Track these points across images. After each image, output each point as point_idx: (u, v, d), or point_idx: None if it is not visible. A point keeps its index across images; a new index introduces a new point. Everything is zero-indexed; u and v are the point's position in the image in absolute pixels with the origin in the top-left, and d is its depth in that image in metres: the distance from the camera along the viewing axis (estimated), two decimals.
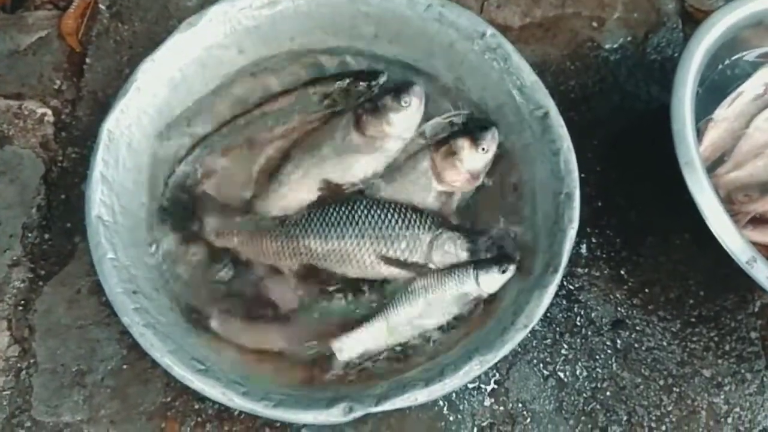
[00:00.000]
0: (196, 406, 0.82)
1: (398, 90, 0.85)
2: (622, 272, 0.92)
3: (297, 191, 0.84)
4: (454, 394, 0.84)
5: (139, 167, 0.83)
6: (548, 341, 0.87)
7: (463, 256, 0.80)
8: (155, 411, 0.82)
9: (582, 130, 0.98)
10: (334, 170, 0.84)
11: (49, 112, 0.97)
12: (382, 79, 0.90)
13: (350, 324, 0.78)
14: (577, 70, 1.04)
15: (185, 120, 0.89)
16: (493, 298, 0.79)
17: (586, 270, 0.91)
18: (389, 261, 0.80)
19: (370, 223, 0.80)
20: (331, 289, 0.80)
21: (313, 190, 0.84)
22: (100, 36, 1.03)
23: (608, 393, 0.85)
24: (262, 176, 0.86)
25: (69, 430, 0.81)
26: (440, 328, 0.79)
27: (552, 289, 0.73)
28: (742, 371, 0.89)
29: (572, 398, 0.85)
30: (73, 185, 0.92)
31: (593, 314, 0.89)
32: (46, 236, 0.90)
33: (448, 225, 0.82)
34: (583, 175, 0.94)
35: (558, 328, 0.88)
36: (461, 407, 0.83)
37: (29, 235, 0.90)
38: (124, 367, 0.83)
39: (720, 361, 0.89)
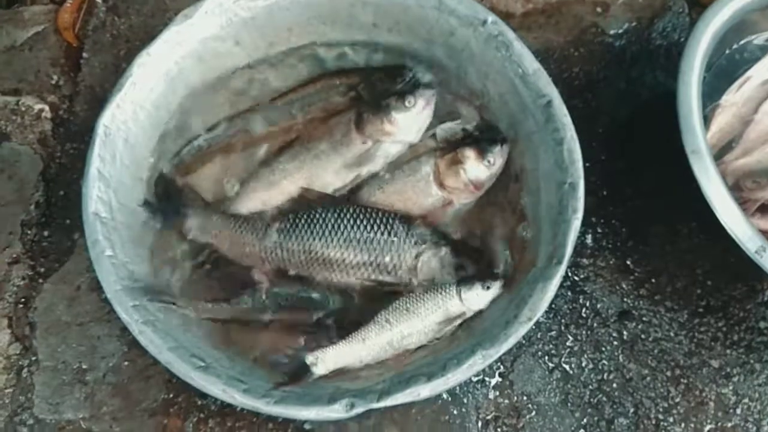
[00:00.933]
0: (199, 403, 0.81)
1: (406, 90, 0.83)
2: (628, 262, 0.90)
3: (287, 181, 0.83)
4: (458, 388, 0.83)
5: (137, 163, 0.82)
6: (553, 333, 0.86)
7: (447, 273, 0.79)
8: (157, 408, 0.81)
9: (586, 118, 0.97)
10: (327, 167, 0.83)
11: (47, 107, 0.97)
12: (408, 76, 0.88)
13: (327, 337, 0.77)
14: (581, 56, 1.02)
15: (183, 115, 0.88)
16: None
17: (592, 260, 0.90)
18: (373, 281, 0.79)
19: (355, 234, 0.79)
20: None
21: (303, 183, 0.82)
22: (96, 30, 1.02)
23: (614, 385, 0.84)
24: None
25: (71, 428, 0.80)
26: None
27: (556, 281, 0.72)
28: (751, 361, 0.88)
29: (578, 390, 0.84)
30: (72, 181, 0.91)
31: (599, 305, 0.88)
32: (46, 233, 0.90)
33: (434, 239, 0.80)
34: (587, 164, 0.92)
35: (563, 320, 0.87)
36: (465, 400, 0.82)
37: (28, 232, 0.90)
38: (126, 363, 0.83)
39: (728, 351, 0.88)
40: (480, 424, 0.82)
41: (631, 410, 0.84)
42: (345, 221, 0.80)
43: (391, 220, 0.81)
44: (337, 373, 0.75)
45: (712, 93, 0.92)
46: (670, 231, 0.92)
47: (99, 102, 0.94)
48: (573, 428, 0.82)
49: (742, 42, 0.95)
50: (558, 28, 1.04)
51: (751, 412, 0.85)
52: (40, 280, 0.87)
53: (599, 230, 0.91)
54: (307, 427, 0.81)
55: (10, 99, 0.97)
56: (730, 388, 0.86)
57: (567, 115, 0.79)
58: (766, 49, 0.95)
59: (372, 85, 0.88)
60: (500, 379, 0.84)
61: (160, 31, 0.82)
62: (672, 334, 0.87)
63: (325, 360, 0.74)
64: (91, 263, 0.74)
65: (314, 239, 0.79)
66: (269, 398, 0.67)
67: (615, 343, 0.86)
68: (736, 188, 0.89)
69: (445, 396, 0.83)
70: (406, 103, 0.82)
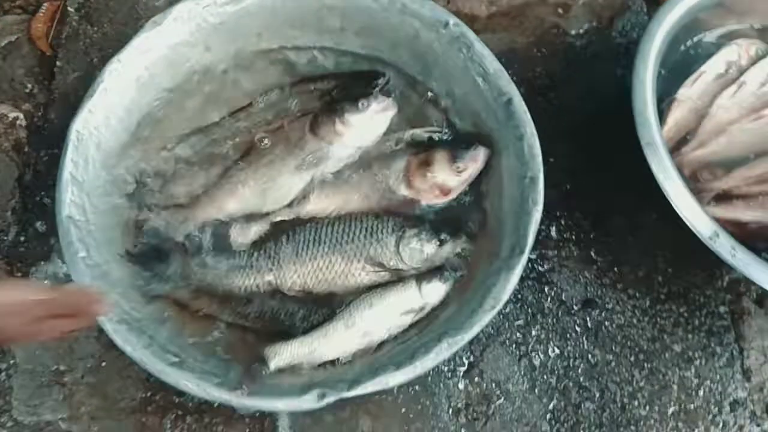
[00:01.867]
0: (176, 400, 0.83)
1: (362, 94, 0.85)
2: (592, 253, 0.93)
3: (244, 188, 0.83)
4: (429, 378, 0.85)
5: (110, 167, 0.84)
6: (520, 322, 0.89)
7: (431, 248, 0.81)
8: (136, 406, 0.83)
9: (550, 115, 1.00)
10: (282, 170, 0.84)
11: (22, 115, 0.98)
12: (382, 81, 0.89)
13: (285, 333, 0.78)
14: (543, 56, 1.06)
15: (155, 120, 0.89)
16: (462, 283, 0.80)
17: (556, 252, 0.93)
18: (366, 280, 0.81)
19: (336, 240, 0.81)
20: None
21: (260, 189, 0.83)
22: (69, 39, 1.04)
23: (580, 370, 0.87)
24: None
25: (50, 429, 0.82)
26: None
27: (518, 270, 0.74)
28: (712, 345, 0.91)
29: (545, 377, 0.87)
30: (48, 187, 0.92)
31: (564, 295, 0.91)
32: (22, 239, 0.91)
33: (410, 222, 0.82)
34: (552, 160, 0.96)
35: (530, 310, 0.90)
36: (437, 390, 0.85)
37: (5, 237, 0.91)
38: (103, 364, 0.84)
39: (690, 335, 0.91)
40: (451, 411, 0.84)
41: (597, 395, 0.87)
42: (324, 232, 0.81)
43: (364, 219, 0.83)
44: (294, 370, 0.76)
45: (668, 88, 0.96)
46: (631, 222, 0.95)
47: (73, 109, 0.95)
48: (541, 413, 0.85)
49: (695, 39, 0.99)
50: (521, 30, 1.08)
51: (713, 394, 0.89)
52: None
53: (563, 223, 0.95)
54: (285, 419, 0.83)
55: None
56: (692, 371, 0.89)
57: (527, 112, 0.82)
58: (719, 45, 1.00)
59: (346, 90, 0.90)
60: (470, 369, 0.86)
61: (130, 38, 0.84)
62: (635, 321, 0.90)
63: (281, 353, 0.76)
64: (67, 266, 0.76)
65: (300, 255, 0.81)
66: (242, 391, 0.69)
67: (580, 330, 0.89)
68: (693, 179, 0.93)
69: (417, 387, 0.85)
70: (359, 105, 0.84)
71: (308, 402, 0.69)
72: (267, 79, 0.95)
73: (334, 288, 0.81)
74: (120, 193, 0.83)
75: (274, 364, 0.75)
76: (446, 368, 0.86)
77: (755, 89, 0.95)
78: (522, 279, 0.90)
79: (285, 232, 0.82)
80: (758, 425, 0.88)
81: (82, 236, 0.75)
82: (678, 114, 0.94)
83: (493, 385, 0.86)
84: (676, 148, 0.94)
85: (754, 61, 0.97)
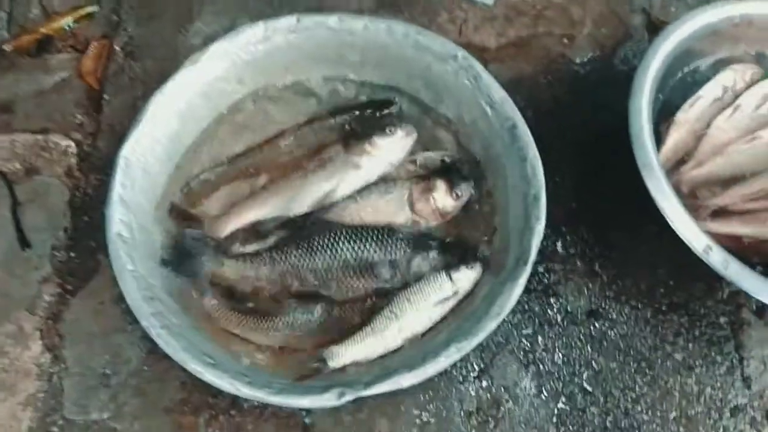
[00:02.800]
0: (210, 401, 0.90)
1: (388, 122, 0.96)
2: (596, 267, 0.99)
3: (276, 198, 0.93)
4: (442, 383, 0.91)
5: (154, 189, 0.93)
6: (528, 331, 0.95)
7: (435, 270, 0.90)
8: (173, 406, 0.90)
9: (556, 138, 1.07)
10: (313, 181, 0.93)
11: (72, 144, 1.08)
12: (394, 108, 1.00)
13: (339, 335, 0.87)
14: (549, 84, 1.13)
15: (194, 146, 0.99)
16: (468, 294, 0.87)
17: (562, 266, 0.99)
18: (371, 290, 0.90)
19: (352, 254, 0.89)
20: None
21: (289, 197, 0.93)
22: (116, 74, 1.14)
23: (585, 377, 0.93)
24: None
25: (97, 427, 0.90)
26: None
27: (522, 281, 0.81)
28: (713, 354, 0.96)
29: (552, 383, 0.92)
30: (96, 208, 1.02)
31: (569, 306, 0.96)
32: (73, 255, 1.00)
33: (420, 243, 0.91)
34: (557, 180, 1.03)
35: (537, 320, 0.95)
36: (449, 395, 0.91)
37: (57, 254, 1.00)
38: (145, 368, 0.92)
39: (691, 345, 0.96)
40: (463, 414, 0.90)
41: (602, 400, 0.92)
42: (341, 244, 0.90)
43: (380, 235, 0.90)
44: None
45: (667, 111, 1.02)
46: (633, 237, 1.01)
47: (119, 138, 1.04)
48: (548, 417, 0.90)
49: (692, 66, 1.06)
50: (528, 59, 1.15)
51: (713, 400, 0.93)
52: (68, 297, 0.97)
53: (568, 238, 1.01)
54: (307, 421, 0.90)
55: (40, 137, 1.08)
56: (693, 378, 0.94)
57: (530, 135, 0.89)
58: (715, 70, 1.06)
59: (362, 120, 0.99)
60: (480, 375, 0.92)
61: (171, 74, 0.94)
62: (637, 330, 0.96)
63: (339, 354, 0.84)
64: (114, 280, 0.84)
65: (317, 261, 0.89)
66: (270, 389, 0.76)
67: (585, 339, 0.95)
68: (692, 197, 0.99)
69: (431, 392, 0.91)
70: (388, 131, 0.93)
71: (329, 400, 0.76)
72: (293, 109, 1.04)
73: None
74: (161, 213, 0.92)
75: (333, 364, 0.84)
76: (458, 374, 0.92)
77: (750, 112, 1.01)
78: (529, 291, 0.97)
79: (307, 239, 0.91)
80: (758, 431, 0.92)
81: (129, 251, 0.84)
82: (677, 136, 1.00)
83: (503, 390, 0.92)
84: (675, 167, 1.00)
85: (749, 85, 1.03)
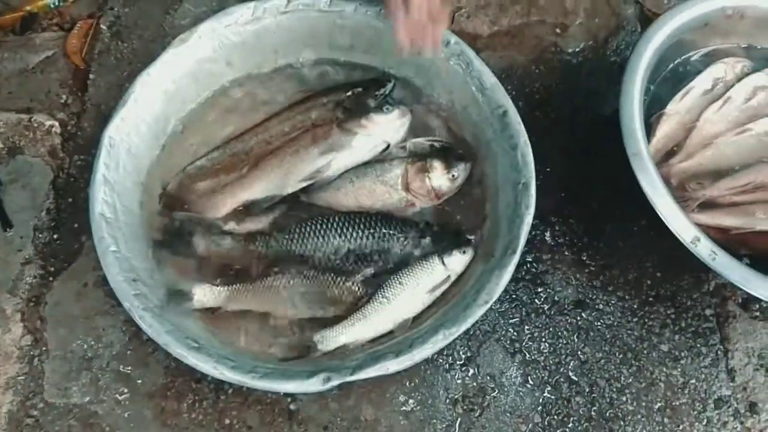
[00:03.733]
0: (194, 386, 0.89)
1: (383, 102, 0.95)
2: (584, 257, 0.99)
3: (269, 174, 0.92)
4: (428, 371, 0.91)
5: (139, 170, 0.92)
6: (515, 321, 0.94)
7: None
8: (156, 391, 0.89)
9: (547, 128, 1.07)
10: (306, 158, 0.92)
11: (57, 124, 1.06)
12: (389, 87, 0.99)
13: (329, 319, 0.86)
14: (541, 73, 1.12)
15: (180, 128, 0.98)
16: (458, 280, 0.87)
17: (550, 255, 0.99)
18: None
19: (347, 239, 0.89)
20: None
21: (283, 173, 0.92)
22: (102, 54, 1.12)
23: (571, 367, 0.93)
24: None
25: (78, 411, 0.88)
26: None
27: (510, 269, 0.81)
28: (698, 345, 0.96)
29: (538, 372, 0.92)
30: (79, 189, 1.00)
31: (557, 296, 0.96)
32: (55, 236, 0.99)
33: (412, 231, 0.90)
34: (548, 169, 1.03)
35: (524, 309, 0.95)
36: (435, 383, 0.90)
37: (40, 235, 0.98)
38: (128, 352, 0.91)
39: (677, 336, 0.96)
40: (449, 402, 0.90)
41: (587, 390, 0.92)
42: (334, 230, 0.89)
43: (374, 223, 0.90)
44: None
45: (658, 103, 1.02)
46: (621, 228, 1.01)
47: (104, 118, 1.03)
48: (533, 405, 0.90)
49: (683, 57, 1.05)
50: (521, 48, 1.14)
51: (698, 392, 0.93)
52: (51, 279, 0.96)
53: (557, 228, 1.01)
54: (292, 407, 0.89)
55: (24, 116, 1.06)
56: (679, 369, 0.94)
57: (521, 123, 0.89)
58: (706, 62, 1.06)
59: (356, 98, 0.97)
60: (467, 363, 0.92)
61: (159, 54, 0.92)
62: (624, 321, 0.96)
63: (329, 338, 0.84)
64: (97, 262, 0.83)
65: (308, 249, 0.89)
66: (254, 374, 0.76)
67: (571, 329, 0.95)
68: (681, 189, 0.99)
69: (417, 380, 0.91)
70: (384, 110, 0.92)
71: (314, 385, 0.75)
72: (282, 92, 1.03)
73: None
74: (148, 195, 0.91)
75: (323, 348, 0.83)
76: (445, 362, 0.92)
77: (740, 104, 1.01)
78: (517, 280, 0.96)
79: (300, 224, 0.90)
80: (741, 423, 0.92)
81: (113, 232, 0.83)
82: (666, 127, 1.00)
83: (489, 378, 0.91)
84: (664, 159, 1.00)
85: (740, 78, 1.03)
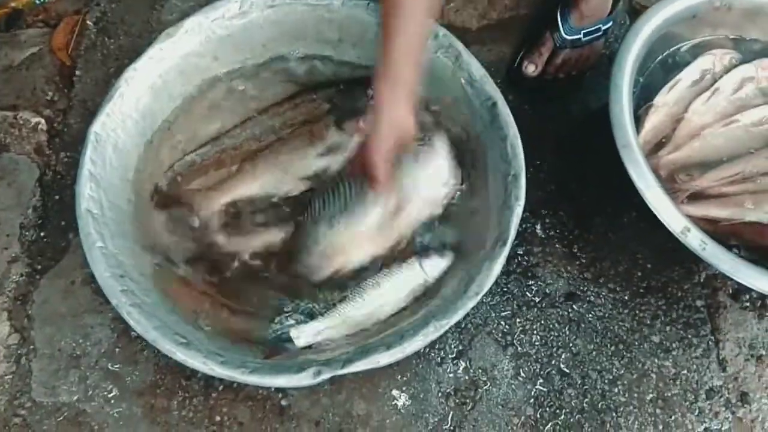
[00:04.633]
0: (183, 383, 0.89)
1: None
2: (575, 249, 0.99)
3: (265, 173, 0.92)
4: (420, 365, 0.91)
5: (126, 166, 0.90)
6: (507, 313, 0.94)
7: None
8: (145, 389, 0.88)
9: (537, 121, 1.07)
10: (302, 157, 0.92)
11: (43, 120, 1.05)
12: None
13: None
14: None
15: (167, 124, 0.97)
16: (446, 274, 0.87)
17: (541, 248, 0.99)
18: None
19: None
20: None
21: (280, 173, 0.92)
22: (88, 50, 1.11)
23: (563, 359, 0.92)
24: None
25: (66, 409, 0.87)
26: None
27: (501, 260, 0.80)
28: (689, 336, 0.96)
29: (530, 365, 0.92)
30: (66, 186, 0.99)
31: (548, 288, 0.96)
32: (42, 234, 0.98)
33: None
34: (538, 162, 1.03)
35: (516, 302, 0.95)
36: (427, 376, 0.90)
37: (26, 233, 0.97)
38: (116, 350, 0.90)
39: (668, 327, 0.96)
40: (441, 395, 0.89)
41: (579, 382, 0.92)
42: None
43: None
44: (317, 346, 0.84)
45: (646, 95, 1.02)
46: (612, 220, 1.01)
47: (91, 115, 1.01)
48: (526, 398, 0.90)
49: (672, 49, 1.05)
50: (510, 41, 1.14)
51: (689, 382, 0.94)
52: (38, 277, 0.95)
53: (548, 221, 1.00)
54: (283, 403, 0.88)
55: (9, 114, 1.05)
56: (670, 360, 0.94)
57: (510, 115, 0.88)
58: (695, 54, 1.06)
59: (347, 95, 0.97)
60: (458, 356, 0.92)
61: (145, 49, 0.92)
62: (615, 313, 0.96)
63: (306, 333, 0.84)
64: (85, 260, 0.81)
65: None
66: (244, 369, 0.75)
67: (563, 321, 0.95)
68: (670, 180, 0.99)
69: (408, 374, 0.91)
70: None
71: (305, 379, 0.74)
72: (270, 87, 1.02)
73: None
74: (135, 192, 0.90)
75: (300, 342, 0.83)
76: (437, 356, 0.91)
77: (728, 95, 1.02)
78: (508, 273, 0.96)
79: None
80: (733, 412, 0.92)
81: (99, 228, 0.82)
82: (655, 119, 1.00)
83: (481, 371, 0.91)
84: (653, 151, 1.00)
85: (728, 70, 1.04)
